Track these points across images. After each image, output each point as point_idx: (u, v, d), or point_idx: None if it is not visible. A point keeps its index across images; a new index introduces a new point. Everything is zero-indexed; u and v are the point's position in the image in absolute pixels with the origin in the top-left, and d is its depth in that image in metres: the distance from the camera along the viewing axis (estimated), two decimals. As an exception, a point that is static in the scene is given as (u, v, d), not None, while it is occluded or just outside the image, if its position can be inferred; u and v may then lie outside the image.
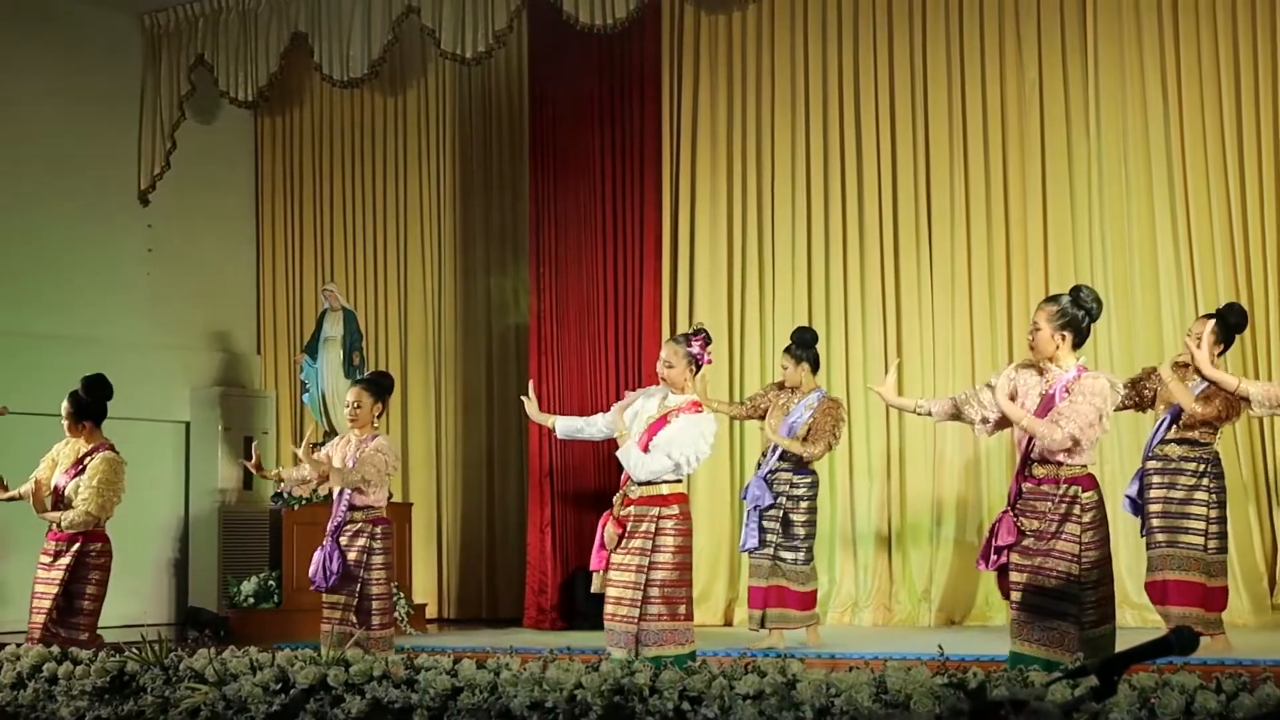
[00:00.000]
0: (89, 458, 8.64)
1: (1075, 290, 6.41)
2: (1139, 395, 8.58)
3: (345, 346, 12.49)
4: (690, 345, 7.41)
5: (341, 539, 8.21)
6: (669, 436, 7.23)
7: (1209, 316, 8.62)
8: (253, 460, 8.76)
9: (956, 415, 6.61)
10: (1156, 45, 10.79)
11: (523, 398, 8.22)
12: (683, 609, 7.22)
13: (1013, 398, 6.31)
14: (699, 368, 7.47)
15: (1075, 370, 6.26)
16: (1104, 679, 2.64)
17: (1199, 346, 7.00)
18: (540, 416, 8.23)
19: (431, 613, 12.98)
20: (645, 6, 11.53)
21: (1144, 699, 4.13)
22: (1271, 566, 10.21)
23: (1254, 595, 10.06)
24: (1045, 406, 6.21)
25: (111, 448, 8.70)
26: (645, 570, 7.11)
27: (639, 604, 7.10)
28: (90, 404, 8.71)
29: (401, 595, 11.35)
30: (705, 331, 7.54)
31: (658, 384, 7.55)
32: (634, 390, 7.74)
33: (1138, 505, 8.64)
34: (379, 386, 8.69)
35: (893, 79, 11.65)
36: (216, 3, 13.15)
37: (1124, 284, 10.69)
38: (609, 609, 7.21)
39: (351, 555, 8.20)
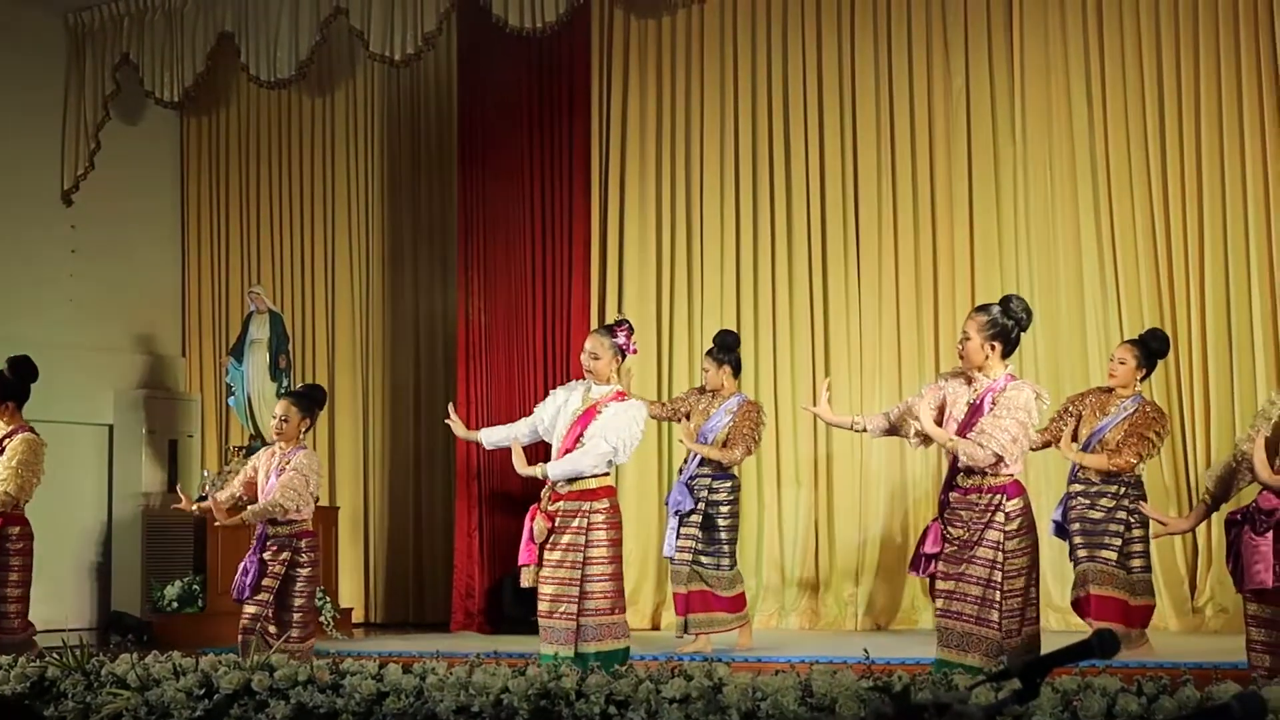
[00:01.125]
0: (8, 439, 8.54)
1: (1006, 300, 6.47)
2: (1057, 431, 8.68)
3: (271, 349, 12.40)
4: (615, 335, 7.42)
5: (265, 553, 8.14)
6: (603, 424, 7.25)
7: (1132, 342, 8.75)
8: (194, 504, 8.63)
9: (893, 430, 6.64)
10: (1081, 54, 10.89)
11: (447, 421, 8.18)
12: (619, 602, 7.28)
13: (942, 408, 6.33)
14: (624, 358, 7.50)
15: (1004, 379, 6.30)
16: (1027, 682, 2.65)
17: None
18: (467, 434, 8.21)
19: (358, 617, 12.91)
20: (575, 10, 11.52)
21: (1066, 701, 4.16)
22: (1192, 571, 10.31)
23: (1175, 599, 10.17)
24: (973, 415, 6.25)
25: (32, 429, 8.61)
26: (580, 566, 7.12)
27: (576, 600, 7.11)
28: (14, 383, 8.62)
29: (328, 600, 11.29)
30: (628, 322, 7.58)
31: (579, 379, 7.56)
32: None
33: (1062, 528, 8.74)
34: (309, 400, 8.59)
35: (821, 86, 11.69)
36: (142, 2, 13.01)
37: (1049, 292, 10.78)
38: (545, 607, 7.19)
39: (274, 568, 8.13)
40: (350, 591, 12.98)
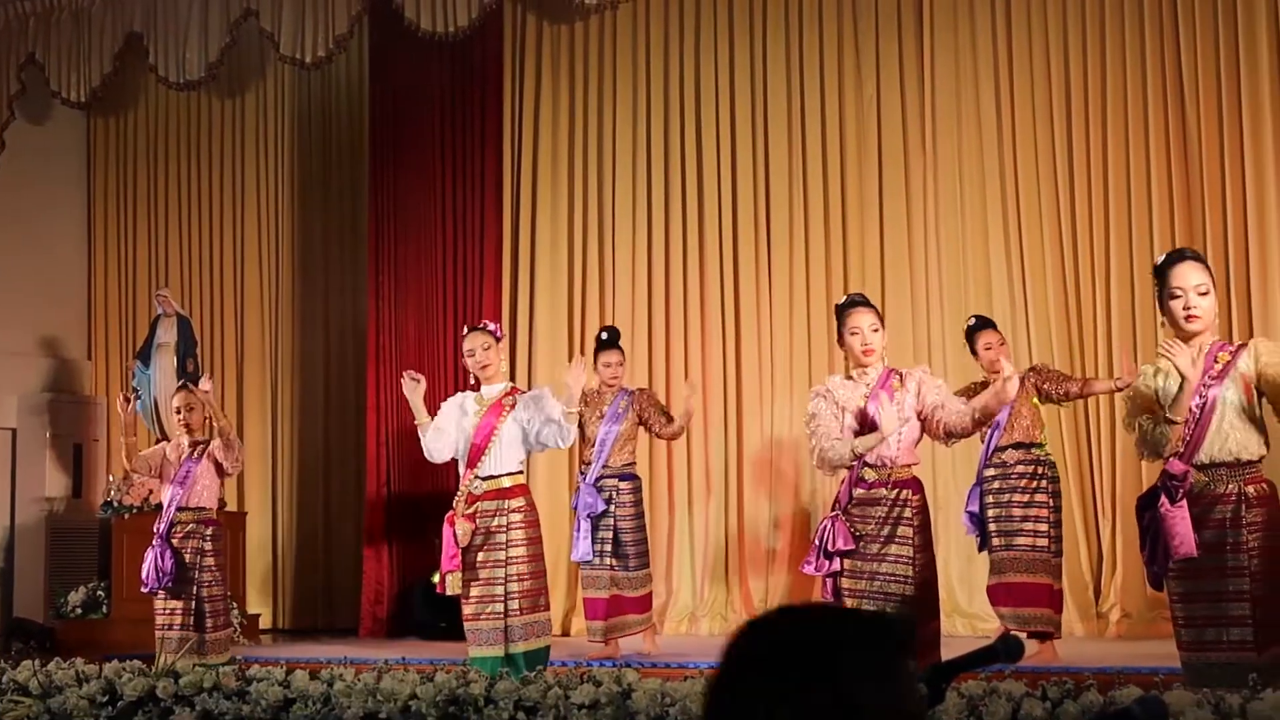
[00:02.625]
0: None
1: (862, 295, 6.59)
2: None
3: (179, 353, 12.26)
4: (492, 330, 7.43)
5: (173, 540, 8.11)
6: (534, 410, 7.24)
7: (991, 328, 8.85)
8: None
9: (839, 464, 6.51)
10: (991, 63, 11.00)
11: (413, 379, 7.88)
12: (542, 599, 7.28)
13: (862, 417, 6.31)
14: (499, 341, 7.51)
15: (884, 369, 6.36)
16: (933, 687, 2.66)
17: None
18: (420, 410, 7.79)
19: (266, 623, 12.81)
20: (487, 14, 11.50)
21: (973, 706, 4.20)
22: (1097, 576, 10.42)
23: (1080, 604, 10.27)
24: (881, 406, 6.25)
25: None
26: (503, 565, 7.10)
27: (502, 600, 7.09)
28: None
29: (235, 606, 11.19)
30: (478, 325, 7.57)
31: (467, 390, 7.50)
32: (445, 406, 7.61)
33: (976, 519, 8.78)
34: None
35: (733, 90, 11.74)
36: (48, 1, 12.84)
37: (957, 296, 10.88)
38: (471, 610, 7.16)
39: (184, 556, 8.11)
40: (258, 598, 12.87)
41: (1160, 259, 5.58)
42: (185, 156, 13.98)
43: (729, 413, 11.38)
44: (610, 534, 9.33)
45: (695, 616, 11.32)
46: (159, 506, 8.88)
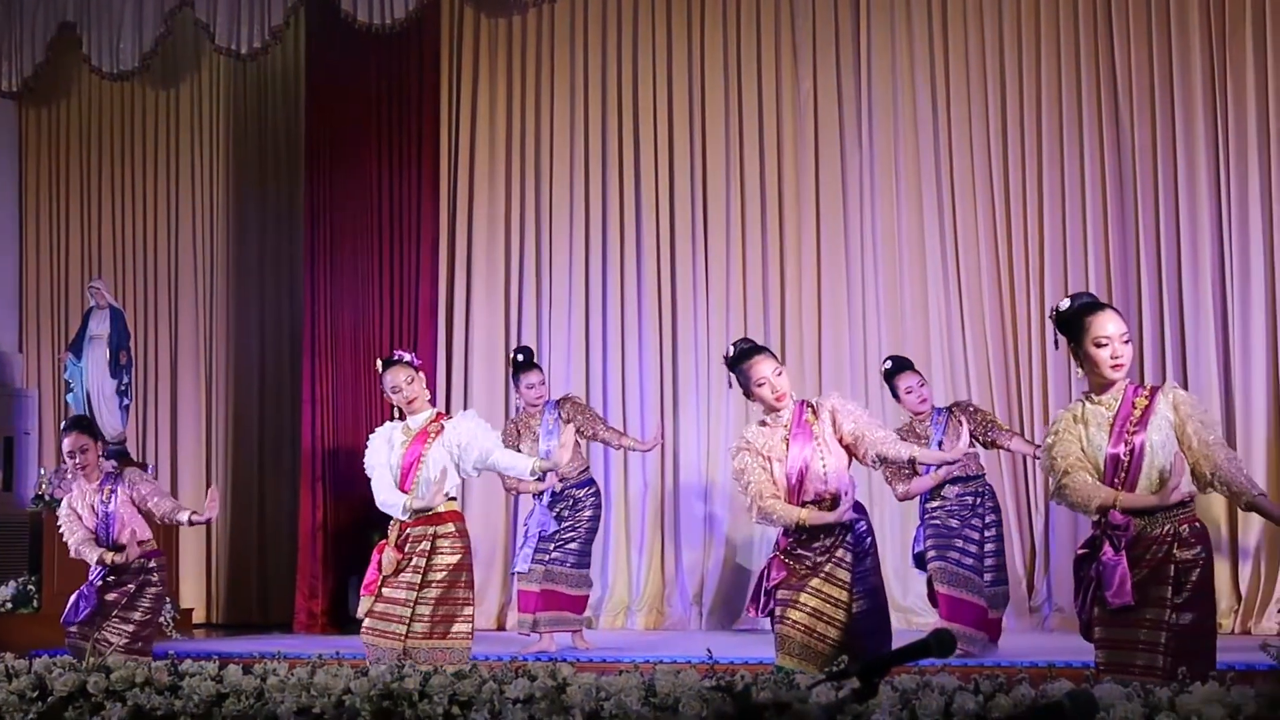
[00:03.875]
0: None
1: (749, 341, 6.48)
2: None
3: (111, 346, 12.15)
4: (410, 359, 7.31)
5: (108, 594, 7.94)
6: (470, 435, 7.14)
7: (911, 369, 8.84)
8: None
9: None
10: (927, 62, 11.08)
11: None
12: (457, 626, 7.04)
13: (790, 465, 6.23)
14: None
15: (795, 406, 6.26)
16: (865, 681, 2.68)
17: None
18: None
19: (200, 618, 12.76)
20: (424, 7, 11.48)
21: (905, 700, 4.20)
22: (1030, 571, 10.51)
23: (1014, 599, 10.32)
24: (805, 440, 6.17)
25: None
26: (416, 588, 6.99)
27: (406, 622, 6.98)
28: None
29: (169, 600, 11.12)
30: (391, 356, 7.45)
31: (392, 420, 7.39)
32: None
33: (922, 559, 8.82)
34: (95, 425, 8.58)
35: (670, 86, 11.75)
36: (-20, -10, 12.74)
37: (893, 295, 10.94)
38: (370, 624, 7.05)
39: (109, 596, 7.95)
40: (192, 592, 12.81)
41: (1067, 305, 5.47)
42: (119, 147, 13.87)
43: (665, 406, 11.39)
44: (550, 545, 9.31)
45: (630, 611, 11.34)
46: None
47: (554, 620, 9.33)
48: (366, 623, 7.08)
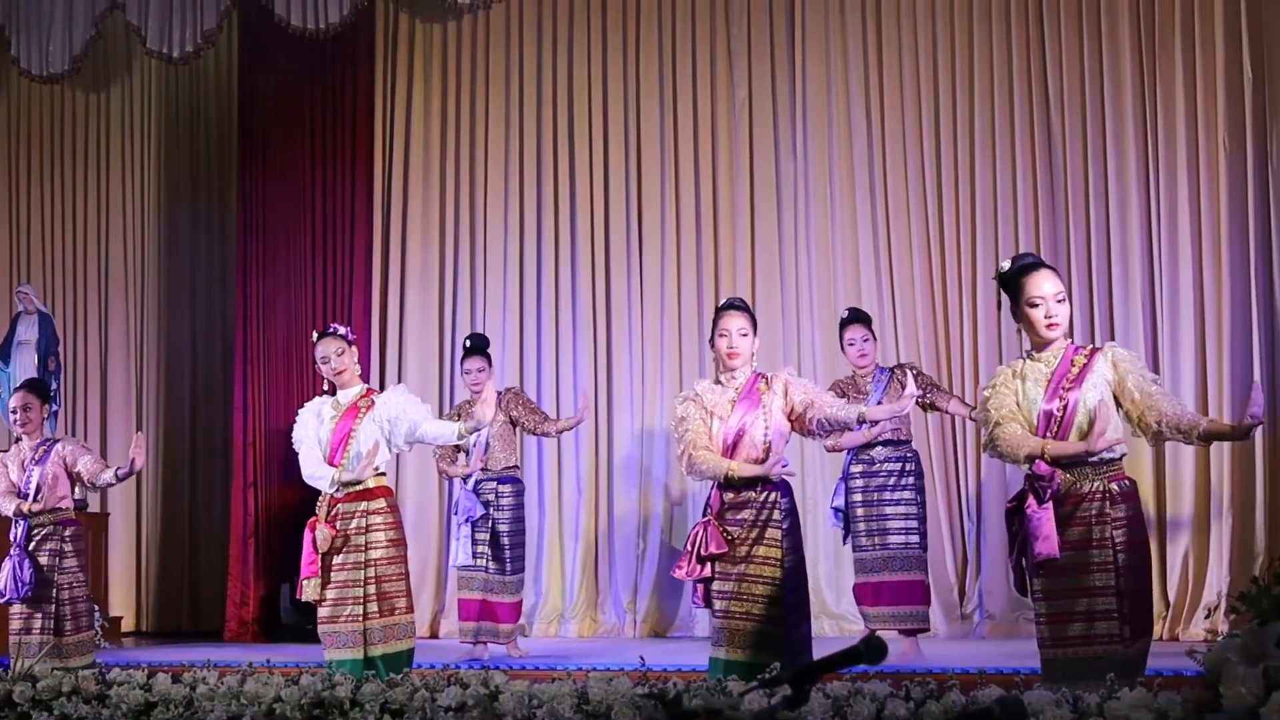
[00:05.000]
0: None
1: (740, 299, 6.61)
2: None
3: (40, 351, 12.05)
4: (344, 334, 7.32)
5: (30, 545, 7.96)
6: (400, 408, 7.14)
7: (861, 322, 8.94)
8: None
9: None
10: (861, 69, 11.12)
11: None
12: (402, 602, 7.12)
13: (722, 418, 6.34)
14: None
15: (752, 375, 6.38)
16: (797, 688, 2.69)
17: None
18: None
19: (129, 625, 12.64)
20: (359, 12, 11.44)
21: (837, 707, 4.23)
22: (962, 577, 10.56)
23: (945, 605, 10.40)
24: (751, 406, 6.28)
25: None
26: (361, 568, 7.01)
27: (361, 603, 7.00)
28: None
29: (97, 608, 11.01)
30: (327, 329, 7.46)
31: (321, 395, 7.39)
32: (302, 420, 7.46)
33: (841, 513, 8.86)
34: (45, 388, 8.56)
35: (606, 92, 11.76)
36: (-94, -10, 12.58)
37: (827, 298, 10.97)
38: (328, 613, 7.06)
39: (42, 560, 7.97)
40: (121, 600, 12.70)
41: (1007, 266, 5.64)
42: (48, 150, 13.75)
43: (599, 412, 11.38)
44: (488, 536, 9.33)
45: (564, 618, 11.33)
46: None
47: (491, 631, 9.33)
48: (322, 611, 7.08)
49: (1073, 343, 5.60)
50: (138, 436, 8.10)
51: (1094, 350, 5.53)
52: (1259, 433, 9.49)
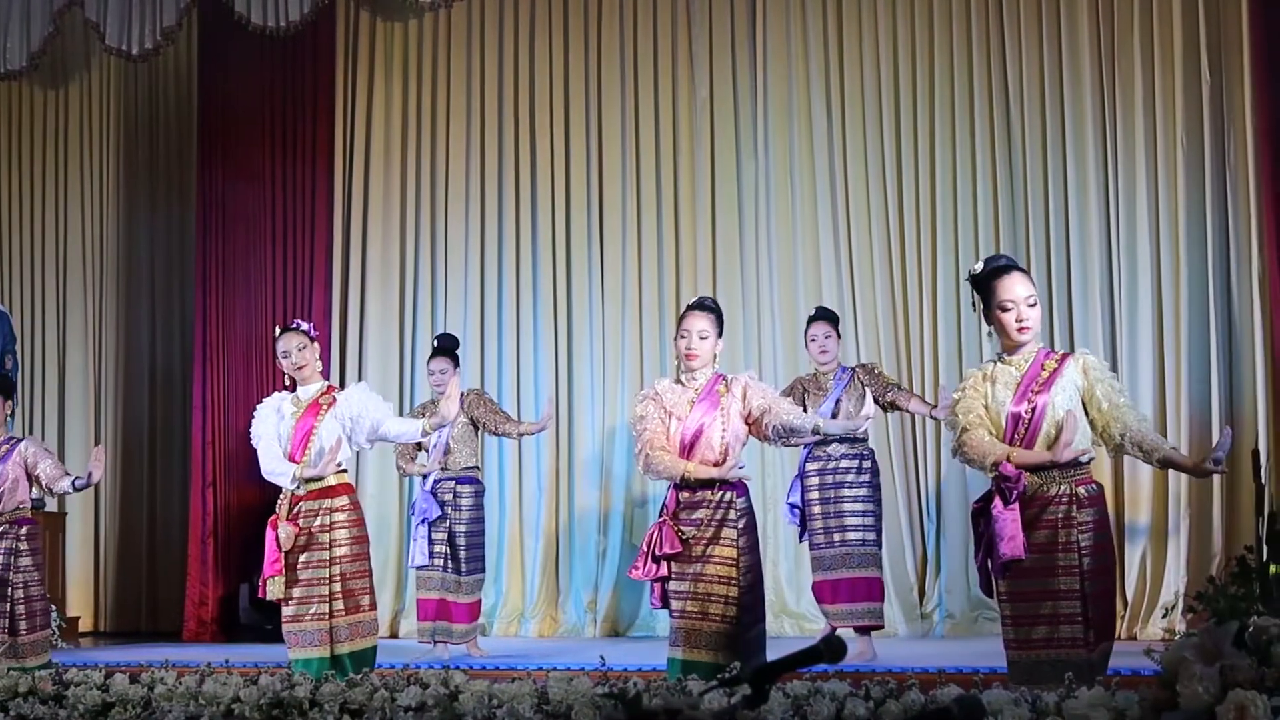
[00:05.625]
0: None
1: (713, 300, 6.62)
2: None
3: (-3, 349, 11.98)
4: (306, 330, 7.31)
5: None
6: (362, 405, 7.13)
7: (827, 319, 8.95)
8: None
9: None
10: (822, 69, 11.15)
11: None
12: (366, 600, 7.12)
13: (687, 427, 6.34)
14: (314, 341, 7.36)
15: (713, 376, 6.39)
16: (756, 687, 2.69)
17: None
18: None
19: (87, 626, 12.57)
20: (319, 10, 11.41)
21: (797, 706, 4.24)
22: (921, 576, 10.60)
23: (905, 605, 10.43)
24: (710, 408, 6.28)
25: None
26: (326, 565, 7.00)
27: (326, 600, 6.99)
28: None
29: (54, 608, 10.96)
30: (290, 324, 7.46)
31: (282, 391, 7.38)
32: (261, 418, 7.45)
33: (798, 510, 8.87)
34: (8, 384, 8.49)
35: (567, 92, 11.76)
36: None
37: (788, 298, 11.00)
38: (292, 611, 7.05)
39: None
40: (79, 600, 12.63)
41: (979, 268, 5.64)
42: (6, 148, 13.65)
43: (560, 412, 11.37)
44: (445, 536, 9.32)
45: (524, 617, 11.32)
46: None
47: (446, 631, 9.31)
48: (287, 610, 7.06)
49: (1044, 347, 5.62)
50: (96, 450, 8.05)
51: (1065, 355, 5.55)
52: (1215, 432, 9.59)
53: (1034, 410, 5.41)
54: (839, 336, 9.01)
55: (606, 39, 11.71)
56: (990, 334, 5.67)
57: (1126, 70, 10.29)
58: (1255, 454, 9.40)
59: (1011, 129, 10.61)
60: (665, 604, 6.30)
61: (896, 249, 10.84)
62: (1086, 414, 5.47)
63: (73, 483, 8.03)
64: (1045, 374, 5.46)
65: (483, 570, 9.63)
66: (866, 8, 11.08)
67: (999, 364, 5.57)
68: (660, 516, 6.33)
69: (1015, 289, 5.48)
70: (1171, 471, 9.52)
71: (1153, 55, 10.23)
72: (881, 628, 8.83)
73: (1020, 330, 5.48)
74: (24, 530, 8.04)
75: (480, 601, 9.64)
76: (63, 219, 13.46)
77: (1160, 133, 10.17)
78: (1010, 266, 5.59)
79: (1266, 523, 8.76)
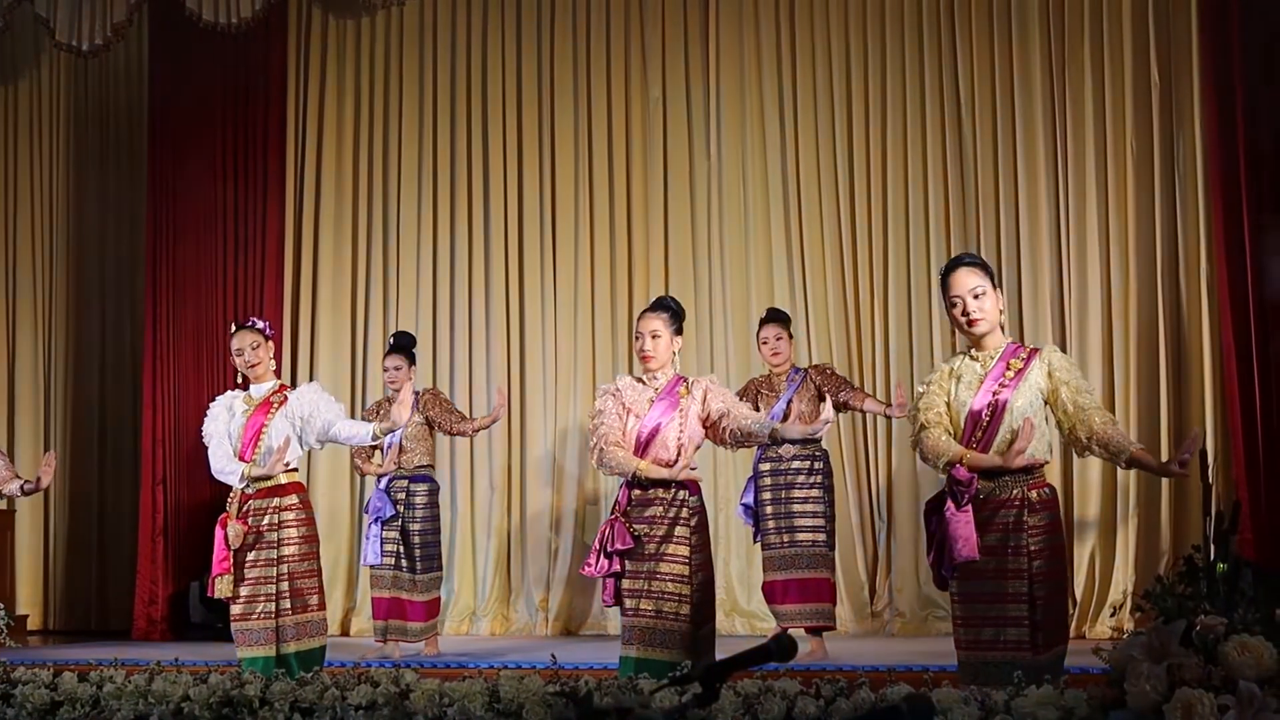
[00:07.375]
0: None
1: (665, 298, 6.63)
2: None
3: (-54, 346, 11.90)
4: (261, 328, 7.29)
5: None
6: (313, 405, 7.11)
7: (779, 321, 8.98)
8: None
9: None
10: (774, 70, 11.18)
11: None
12: (315, 599, 7.11)
13: (640, 415, 6.37)
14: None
15: (674, 377, 6.41)
16: (707, 686, 2.69)
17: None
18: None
19: (35, 624, 12.49)
20: (271, 7, 11.36)
21: (748, 704, 4.26)
22: (872, 576, 10.64)
23: (856, 604, 10.48)
24: (668, 408, 6.30)
25: None
26: (274, 564, 6.98)
27: (274, 599, 6.97)
28: None
29: (2, 606, 10.89)
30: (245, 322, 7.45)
31: (234, 389, 7.36)
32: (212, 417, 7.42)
33: (751, 509, 8.89)
34: None
35: (520, 91, 11.75)
36: None
37: (741, 299, 11.02)
38: (240, 610, 7.03)
39: None
40: (28, 598, 12.54)
41: (942, 269, 5.68)
42: (-46, 145, 13.55)
43: (513, 411, 11.37)
44: (397, 534, 9.31)
45: (476, 616, 11.31)
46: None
47: (398, 629, 9.30)
48: (235, 609, 7.04)
49: (1013, 341, 5.63)
50: (47, 456, 7.99)
51: (1033, 352, 5.55)
52: (1164, 433, 9.67)
53: (995, 410, 5.42)
54: (791, 338, 9.04)
55: (559, 38, 11.71)
56: (954, 332, 5.69)
57: (1077, 75, 10.36)
58: (1203, 454, 9.47)
59: (963, 131, 10.66)
60: (618, 601, 6.32)
61: (848, 250, 10.88)
62: (1054, 413, 5.49)
63: (21, 486, 7.98)
64: (1011, 372, 5.47)
65: (439, 568, 9.62)
66: (819, 9, 11.12)
67: (966, 359, 5.57)
68: (612, 514, 6.34)
69: (961, 282, 5.49)
70: (1119, 468, 9.61)
71: (1103, 60, 10.30)
72: (833, 628, 8.87)
73: (970, 324, 5.48)
74: None
75: (439, 599, 9.63)
76: (11, 216, 13.35)
77: (1110, 137, 10.24)
78: (957, 262, 5.61)
79: (1213, 522, 8.82)
